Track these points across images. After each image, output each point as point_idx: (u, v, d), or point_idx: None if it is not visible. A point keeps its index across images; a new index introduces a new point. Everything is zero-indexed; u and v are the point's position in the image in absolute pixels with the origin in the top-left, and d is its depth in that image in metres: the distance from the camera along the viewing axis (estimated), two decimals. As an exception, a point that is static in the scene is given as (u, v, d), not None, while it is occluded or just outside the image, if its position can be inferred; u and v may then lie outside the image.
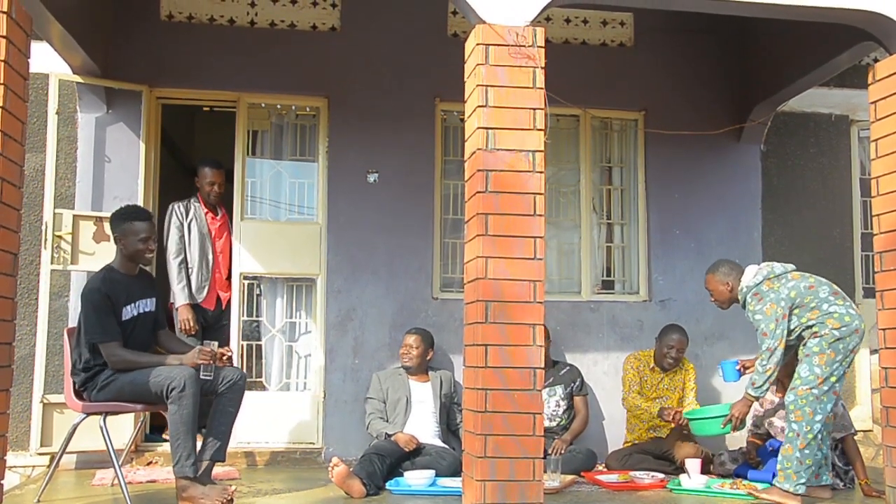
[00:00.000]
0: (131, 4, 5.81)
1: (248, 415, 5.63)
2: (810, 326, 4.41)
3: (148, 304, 4.45)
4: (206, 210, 5.68)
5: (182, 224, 5.57)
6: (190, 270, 5.55)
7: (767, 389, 4.51)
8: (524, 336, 3.83)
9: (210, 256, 5.64)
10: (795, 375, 4.42)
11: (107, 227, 5.41)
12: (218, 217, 5.76)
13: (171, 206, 5.61)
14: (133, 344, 4.30)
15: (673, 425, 5.36)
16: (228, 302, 5.74)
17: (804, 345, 4.46)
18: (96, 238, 5.43)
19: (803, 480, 4.30)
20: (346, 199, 5.94)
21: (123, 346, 4.24)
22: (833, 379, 4.34)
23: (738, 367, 4.82)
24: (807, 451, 4.30)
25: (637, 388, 5.63)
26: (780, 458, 4.39)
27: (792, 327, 4.44)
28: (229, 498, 4.08)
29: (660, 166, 6.35)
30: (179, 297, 5.49)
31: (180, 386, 4.03)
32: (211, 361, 4.25)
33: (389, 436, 5.09)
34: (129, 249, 4.36)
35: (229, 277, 5.77)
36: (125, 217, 4.38)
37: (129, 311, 4.32)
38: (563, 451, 5.31)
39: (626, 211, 6.48)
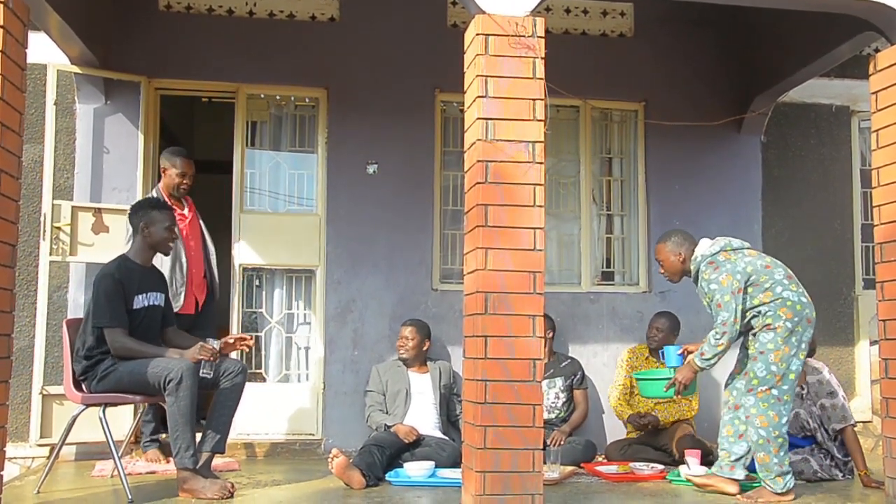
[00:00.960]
0: (129, -5, 5.80)
1: (247, 406, 5.62)
2: (762, 312, 4.28)
3: (158, 298, 4.48)
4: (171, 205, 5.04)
5: None
6: None
7: (715, 364, 4.37)
8: (524, 327, 3.82)
9: (183, 259, 5.10)
10: (752, 375, 4.29)
11: (105, 218, 5.44)
12: (185, 211, 5.25)
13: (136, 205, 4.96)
14: (142, 335, 4.31)
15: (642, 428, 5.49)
16: (205, 302, 5.32)
17: (755, 338, 4.32)
18: (95, 229, 5.42)
19: (789, 477, 4.25)
20: (346, 191, 5.93)
21: (131, 335, 4.25)
22: (791, 376, 4.25)
23: (680, 352, 4.66)
24: (782, 454, 4.23)
25: (624, 380, 5.71)
26: (757, 466, 4.29)
27: (745, 308, 4.31)
28: (230, 493, 4.09)
29: (660, 157, 6.34)
30: None
31: (177, 378, 4.03)
32: (212, 359, 4.25)
33: (389, 427, 5.10)
34: (154, 238, 4.41)
35: (205, 275, 5.33)
36: (151, 206, 4.47)
37: (140, 301, 4.34)
38: (562, 443, 5.31)
39: (626, 202, 6.47)
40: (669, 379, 4.49)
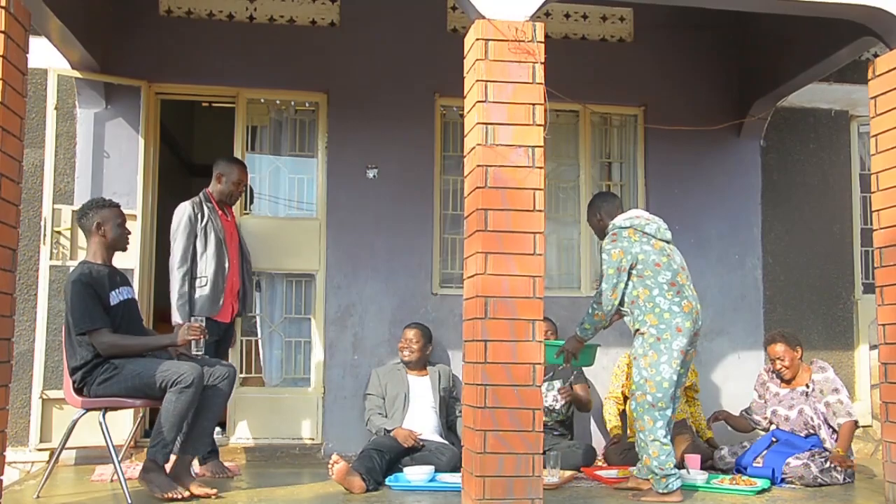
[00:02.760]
0: (130, -1, 5.81)
1: (247, 410, 5.66)
2: (634, 315, 4.38)
3: (129, 292, 4.48)
4: (219, 212, 5.10)
5: (194, 228, 4.93)
6: (201, 281, 4.91)
7: (592, 334, 4.49)
8: (523, 332, 3.83)
9: (226, 265, 4.99)
10: (632, 380, 4.41)
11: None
12: (228, 218, 5.21)
13: (182, 207, 4.99)
14: (125, 329, 4.31)
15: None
16: (238, 312, 5.24)
17: (633, 343, 4.44)
18: (95, 234, 5.42)
19: (673, 480, 4.28)
20: (346, 195, 5.93)
21: (115, 331, 4.24)
22: (667, 385, 4.27)
23: None
24: (663, 458, 4.26)
25: (619, 387, 5.78)
26: (645, 467, 4.36)
27: (626, 291, 4.39)
28: (181, 497, 4.11)
29: (659, 162, 6.34)
30: (178, 314, 4.81)
31: (187, 382, 4.07)
32: (202, 336, 4.28)
33: (389, 431, 5.09)
34: (111, 235, 4.37)
35: (242, 285, 5.23)
36: (100, 205, 4.40)
37: (115, 297, 4.33)
38: (567, 398, 5.36)
39: (626, 206, 6.44)
40: (559, 346, 4.65)
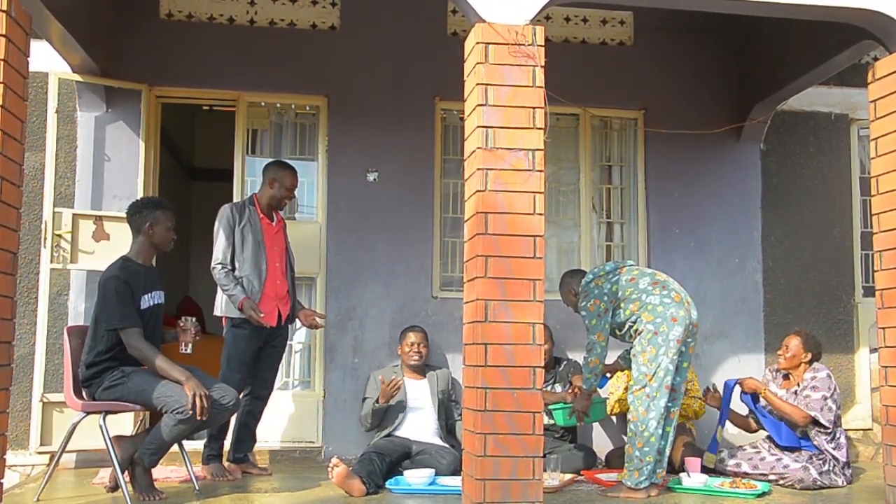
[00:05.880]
0: (131, 3, 5.81)
1: (247, 414, 5.64)
2: (634, 321, 4.55)
3: (160, 297, 4.50)
4: (261, 215, 5.08)
5: (233, 229, 4.95)
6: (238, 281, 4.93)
7: (596, 382, 4.76)
8: (524, 335, 3.83)
9: (263, 267, 4.97)
10: (631, 377, 4.56)
11: (106, 225, 5.45)
12: (274, 223, 5.16)
13: (223, 209, 5.01)
14: (149, 334, 4.33)
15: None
16: (288, 317, 5.16)
17: (633, 345, 4.60)
18: (96, 237, 5.43)
19: (644, 476, 4.42)
20: (346, 198, 5.94)
21: (143, 335, 4.27)
22: (661, 374, 4.43)
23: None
24: (646, 450, 4.41)
25: (621, 389, 5.69)
26: (625, 457, 4.51)
27: (621, 321, 4.61)
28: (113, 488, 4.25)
29: (659, 165, 6.35)
30: (237, 298, 4.83)
31: (186, 415, 4.07)
32: (192, 338, 4.40)
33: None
34: (157, 238, 4.43)
35: (289, 291, 5.16)
36: (155, 206, 4.47)
37: (146, 301, 4.36)
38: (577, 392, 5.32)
39: (626, 210, 6.48)
40: (570, 408, 4.95)
